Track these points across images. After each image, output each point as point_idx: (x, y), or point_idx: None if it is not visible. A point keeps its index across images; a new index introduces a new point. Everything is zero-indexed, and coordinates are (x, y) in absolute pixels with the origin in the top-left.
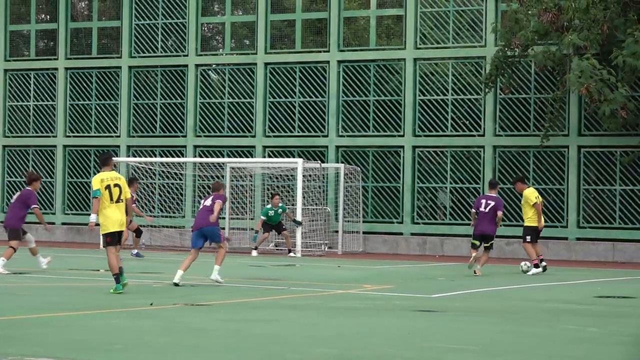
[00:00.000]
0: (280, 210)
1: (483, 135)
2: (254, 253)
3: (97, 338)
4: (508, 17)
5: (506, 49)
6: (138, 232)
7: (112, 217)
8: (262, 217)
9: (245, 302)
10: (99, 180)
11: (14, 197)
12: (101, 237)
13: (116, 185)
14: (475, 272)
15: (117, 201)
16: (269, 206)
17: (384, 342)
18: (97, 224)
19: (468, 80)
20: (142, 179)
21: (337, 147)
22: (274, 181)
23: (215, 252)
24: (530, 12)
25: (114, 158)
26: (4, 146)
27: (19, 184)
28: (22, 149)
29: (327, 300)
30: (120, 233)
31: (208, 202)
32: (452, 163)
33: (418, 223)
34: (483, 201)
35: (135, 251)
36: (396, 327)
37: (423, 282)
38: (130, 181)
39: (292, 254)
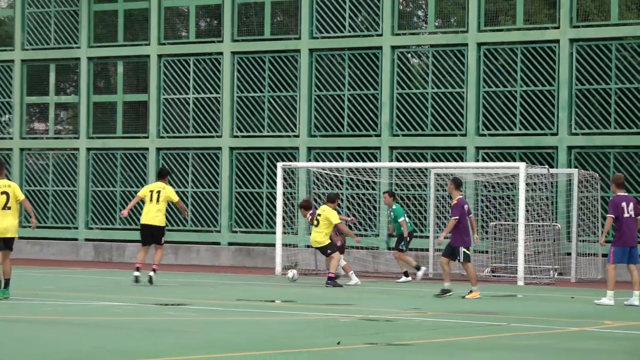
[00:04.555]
0: (392, 214)
1: None
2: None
3: None
4: None
5: None
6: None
7: None
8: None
9: (453, 342)
10: None
11: None
12: None
13: (3, 192)
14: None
15: (4, 208)
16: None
17: None
18: None
19: None
20: (326, 189)
21: (570, 147)
22: (489, 191)
23: None
24: None
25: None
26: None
27: None
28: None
29: (557, 339)
30: (5, 240)
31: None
32: None
33: None
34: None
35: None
36: None
37: None
38: (306, 204)
39: (404, 279)
